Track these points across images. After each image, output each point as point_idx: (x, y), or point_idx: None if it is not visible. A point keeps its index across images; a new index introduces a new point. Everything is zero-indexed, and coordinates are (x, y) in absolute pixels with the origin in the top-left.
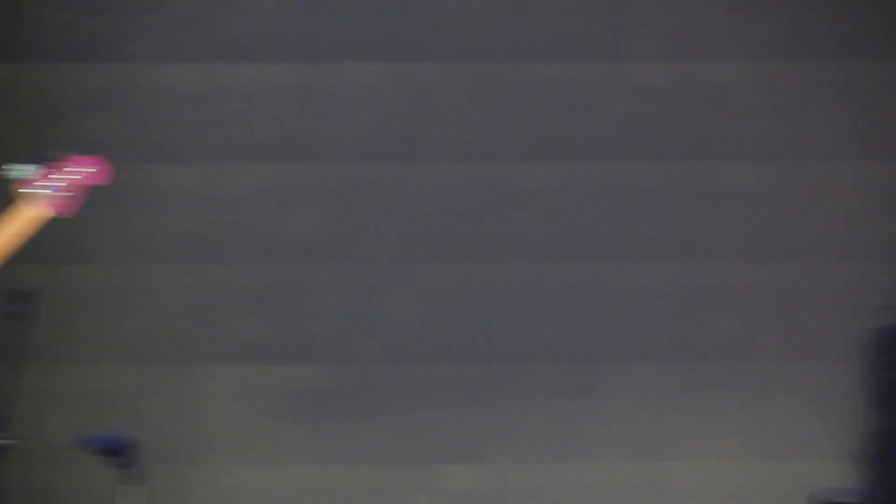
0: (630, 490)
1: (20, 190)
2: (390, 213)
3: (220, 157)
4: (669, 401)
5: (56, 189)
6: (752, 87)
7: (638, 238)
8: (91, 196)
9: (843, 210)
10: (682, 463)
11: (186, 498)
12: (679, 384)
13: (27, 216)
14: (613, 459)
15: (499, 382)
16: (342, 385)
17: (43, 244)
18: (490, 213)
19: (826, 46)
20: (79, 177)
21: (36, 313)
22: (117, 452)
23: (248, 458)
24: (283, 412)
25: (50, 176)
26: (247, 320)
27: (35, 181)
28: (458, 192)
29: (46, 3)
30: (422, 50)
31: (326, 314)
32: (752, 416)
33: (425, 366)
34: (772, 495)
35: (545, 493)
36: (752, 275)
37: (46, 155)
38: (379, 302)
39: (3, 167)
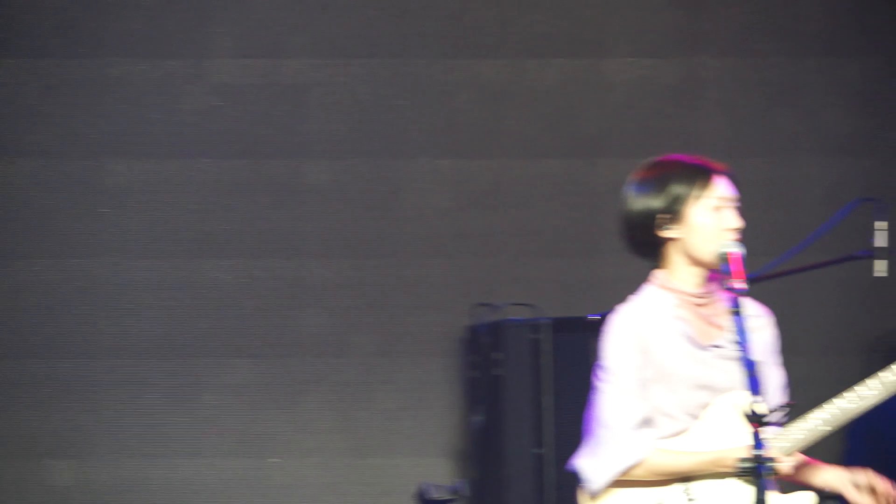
0: (228, 486)
1: None
2: None
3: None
4: (265, 397)
5: None
6: (334, 86)
7: (225, 234)
8: None
9: (431, 207)
10: (280, 459)
11: None
12: (273, 381)
13: None
14: (211, 455)
15: (94, 378)
16: None
17: None
18: (71, 209)
19: (391, 46)
20: None
21: None
22: None
23: None
24: None
25: None
26: None
27: None
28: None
29: None
30: None
31: None
32: (348, 413)
33: (16, 362)
34: (371, 491)
35: (143, 489)
36: (344, 271)
37: None
38: None
39: None
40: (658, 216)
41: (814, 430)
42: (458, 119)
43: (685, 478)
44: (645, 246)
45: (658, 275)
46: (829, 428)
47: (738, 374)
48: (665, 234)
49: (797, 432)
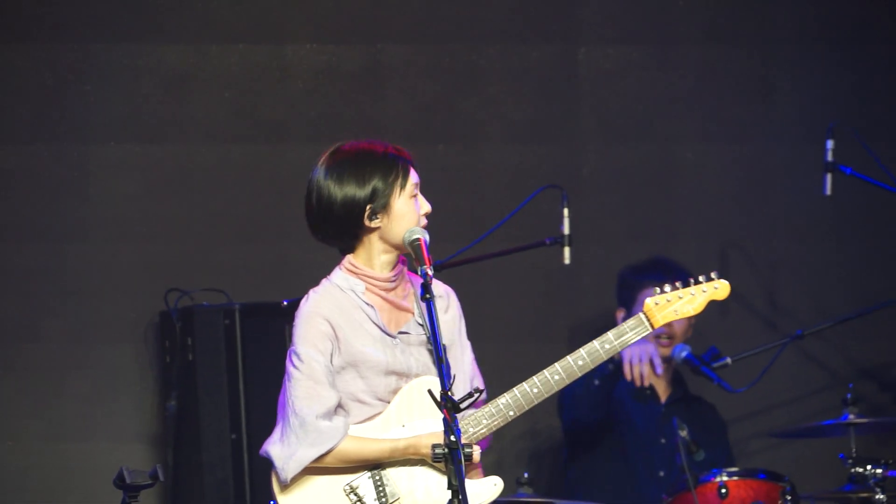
0: None
1: None
2: None
3: None
4: None
5: None
6: (17, 72)
7: None
8: None
9: (120, 192)
10: None
11: None
12: None
13: None
14: None
15: None
16: None
17: None
18: None
19: (74, 30)
20: None
21: None
22: None
23: None
24: None
25: None
26: None
27: None
28: None
29: None
30: None
31: None
32: (43, 399)
33: None
34: (68, 476)
35: None
36: (35, 256)
37: None
38: None
39: None
40: (364, 207)
41: (502, 415)
42: (144, 104)
43: (377, 464)
44: (344, 235)
45: (349, 260)
46: (515, 412)
47: (428, 359)
48: (371, 223)
49: (486, 418)
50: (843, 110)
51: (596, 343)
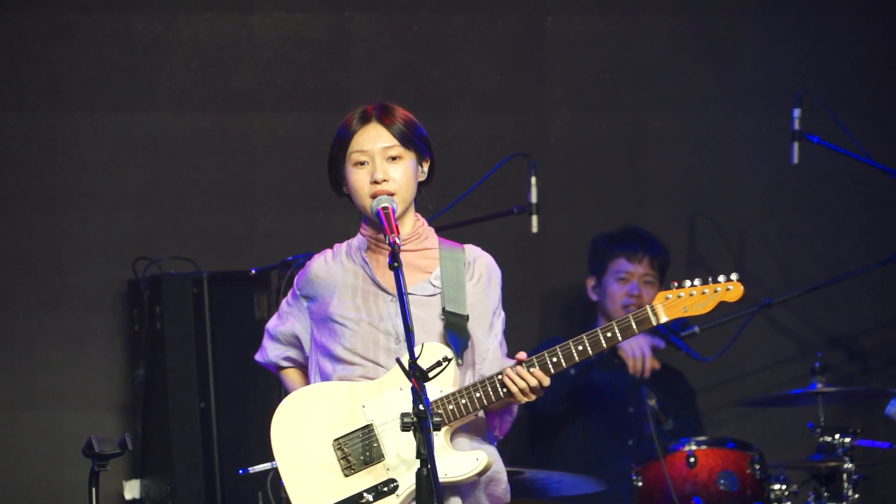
0: None
1: None
2: None
3: None
4: None
5: None
6: None
7: None
8: None
9: (89, 160)
10: None
11: None
12: None
13: None
14: None
15: None
16: None
17: None
18: None
19: None
20: None
21: None
22: None
23: None
24: None
25: None
26: None
27: None
28: None
29: None
30: None
31: None
32: (11, 367)
33: None
34: (38, 445)
35: None
36: (1, 226)
37: None
38: None
39: None
40: (330, 176)
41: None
42: (112, 73)
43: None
44: (343, 198)
45: (363, 221)
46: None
47: (431, 320)
48: (345, 192)
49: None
50: (810, 79)
51: (599, 331)
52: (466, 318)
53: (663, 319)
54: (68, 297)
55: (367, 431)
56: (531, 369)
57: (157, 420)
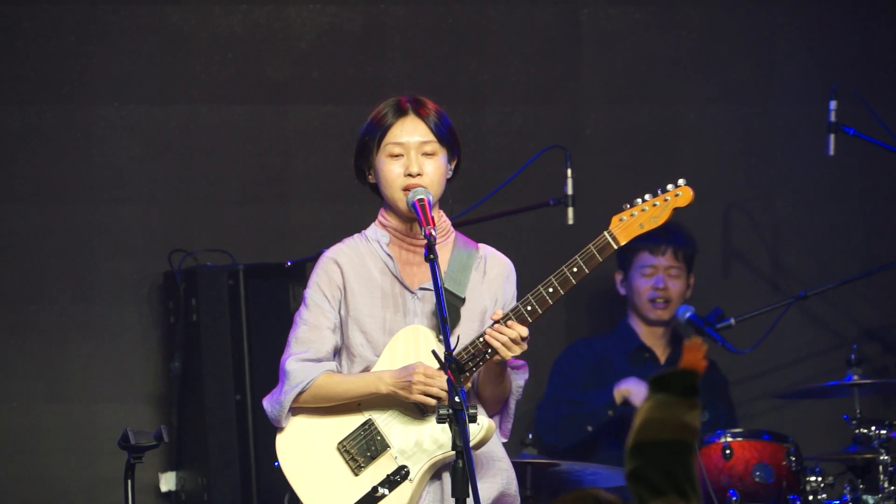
0: None
1: None
2: None
3: None
4: None
5: None
6: (19, 32)
7: None
8: None
9: (123, 153)
10: None
11: None
12: None
13: None
14: None
15: None
16: None
17: None
18: None
19: None
20: None
21: None
22: None
23: None
24: None
25: None
26: None
27: None
28: None
29: None
30: None
31: None
32: (46, 360)
33: None
34: (72, 437)
35: None
36: (37, 217)
37: None
38: None
39: None
40: (357, 164)
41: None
42: (147, 65)
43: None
44: (365, 187)
45: (381, 211)
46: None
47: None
48: (370, 180)
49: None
50: (846, 71)
51: (564, 268)
52: (462, 300)
53: (622, 242)
54: (103, 289)
55: (368, 426)
56: (508, 322)
57: (192, 412)
